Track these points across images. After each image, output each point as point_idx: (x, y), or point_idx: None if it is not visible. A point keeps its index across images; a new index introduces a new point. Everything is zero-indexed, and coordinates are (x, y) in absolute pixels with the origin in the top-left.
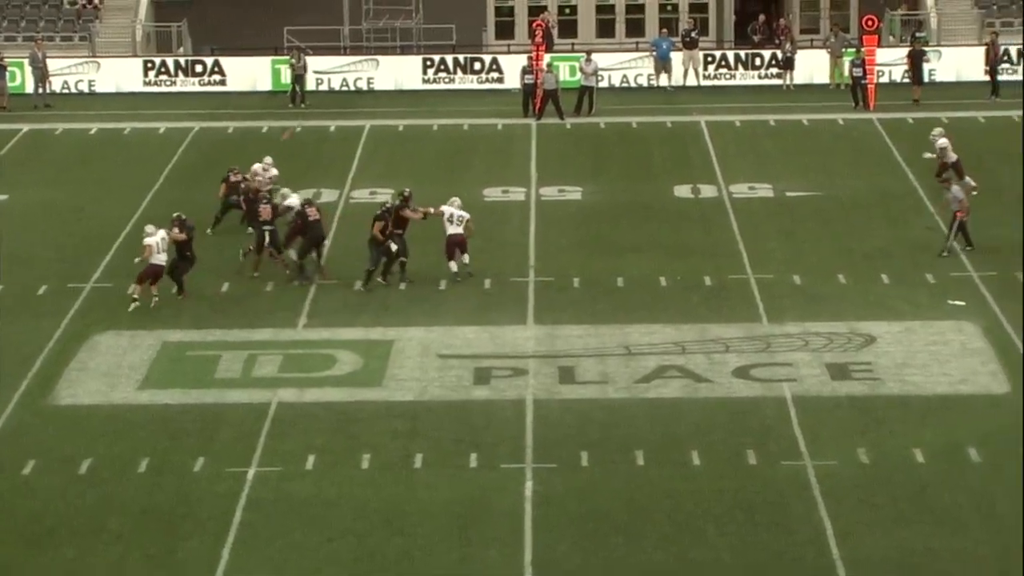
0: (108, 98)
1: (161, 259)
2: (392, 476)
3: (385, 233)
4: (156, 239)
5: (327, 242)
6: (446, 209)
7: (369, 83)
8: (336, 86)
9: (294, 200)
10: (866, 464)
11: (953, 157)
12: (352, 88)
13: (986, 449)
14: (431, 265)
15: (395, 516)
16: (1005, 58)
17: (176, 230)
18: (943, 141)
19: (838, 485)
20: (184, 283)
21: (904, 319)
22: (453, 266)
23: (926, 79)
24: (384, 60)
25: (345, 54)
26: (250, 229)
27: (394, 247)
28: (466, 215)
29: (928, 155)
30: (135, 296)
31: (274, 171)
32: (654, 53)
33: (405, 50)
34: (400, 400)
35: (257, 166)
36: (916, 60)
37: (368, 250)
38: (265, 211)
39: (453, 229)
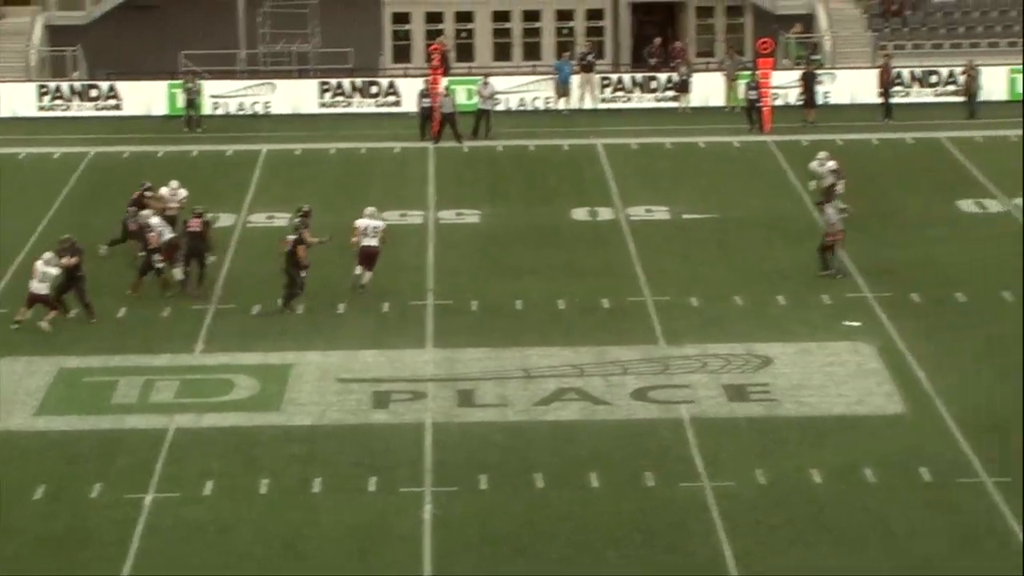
0: (2, 123)
1: (40, 288)
2: (291, 500)
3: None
4: (42, 267)
5: (224, 265)
6: (360, 223)
7: (266, 107)
8: (233, 110)
9: (155, 221)
10: (764, 485)
11: (829, 181)
12: (249, 112)
13: (882, 469)
14: (329, 288)
15: (294, 540)
16: (898, 80)
17: (65, 256)
18: (832, 163)
19: (736, 506)
20: (90, 304)
21: (800, 340)
22: (358, 270)
23: (820, 101)
24: (281, 84)
25: (241, 78)
26: (142, 252)
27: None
28: (381, 224)
29: (822, 181)
30: (18, 319)
31: (183, 192)
32: (556, 76)
33: (302, 74)
34: (299, 424)
35: (164, 190)
36: (809, 82)
37: (287, 275)
38: (153, 238)
39: (368, 241)
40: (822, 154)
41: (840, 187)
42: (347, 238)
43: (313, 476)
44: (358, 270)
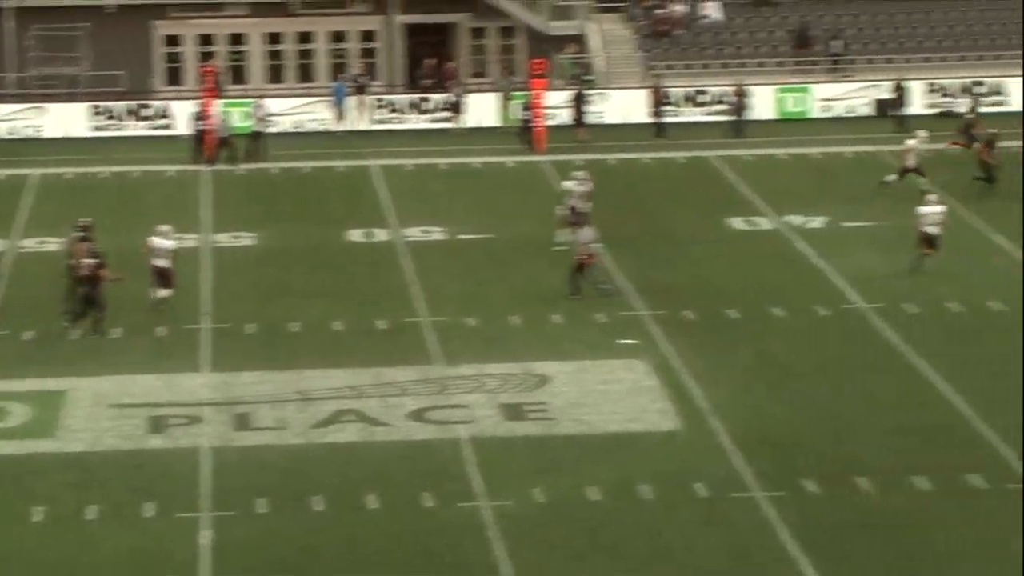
0: None
1: None
2: (66, 528)
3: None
4: None
5: None
6: (154, 242)
7: (36, 131)
8: (2, 134)
9: None
10: (542, 503)
11: (575, 202)
12: (19, 136)
13: (658, 485)
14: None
15: (70, 569)
16: (667, 100)
17: None
18: (588, 185)
19: (514, 525)
20: None
21: (577, 359)
22: (162, 292)
23: (592, 121)
24: (51, 107)
25: (11, 101)
26: None
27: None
28: (173, 244)
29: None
30: None
31: None
32: (333, 98)
33: (73, 97)
34: (73, 451)
35: None
36: (578, 102)
37: (84, 299)
38: None
39: (160, 261)
40: (580, 173)
41: (586, 208)
42: (125, 263)
43: (88, 503)
44: (161, 292)
